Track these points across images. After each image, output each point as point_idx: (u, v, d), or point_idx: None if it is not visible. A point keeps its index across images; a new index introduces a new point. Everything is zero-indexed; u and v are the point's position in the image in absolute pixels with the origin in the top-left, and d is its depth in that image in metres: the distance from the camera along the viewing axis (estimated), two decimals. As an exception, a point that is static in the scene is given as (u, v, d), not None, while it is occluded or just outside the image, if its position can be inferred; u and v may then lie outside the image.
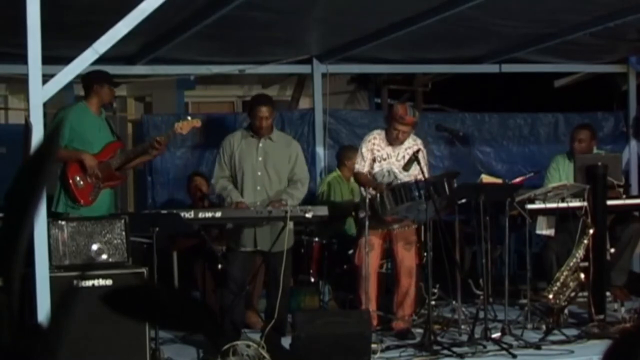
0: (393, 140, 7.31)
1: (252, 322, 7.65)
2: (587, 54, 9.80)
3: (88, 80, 7.11)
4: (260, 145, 7.07)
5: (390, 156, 7.33)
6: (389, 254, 7.56)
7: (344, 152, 9.04)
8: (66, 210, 6.90)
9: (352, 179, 8.69)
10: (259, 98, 7.39)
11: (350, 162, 8.79)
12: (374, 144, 7.35)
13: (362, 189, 7.39)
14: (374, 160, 7.33)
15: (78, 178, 6.97)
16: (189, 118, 7.58)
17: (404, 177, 7.21)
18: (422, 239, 7.61)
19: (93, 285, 6.01)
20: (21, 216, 1.30)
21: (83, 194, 6.99)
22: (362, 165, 7.35)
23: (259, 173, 7.04)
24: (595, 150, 8.58)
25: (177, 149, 9.67)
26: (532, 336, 7.17)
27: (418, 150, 7.15)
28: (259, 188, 7.03)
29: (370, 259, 7.20)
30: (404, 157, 7.28)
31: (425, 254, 7.37)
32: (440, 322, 7.52)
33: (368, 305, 7.08)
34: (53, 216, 6.47)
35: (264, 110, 7.02)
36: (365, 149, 7.36)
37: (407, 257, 7.37)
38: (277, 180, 7.06)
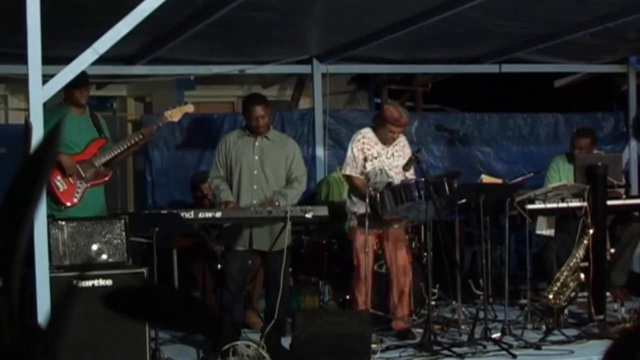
0: (386, 141, 7.31)
1: (252, 322, 7.65)
2: (587, 54, 9.79)
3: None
4: (257, 144, 7.06)
5: (380, 154, 7.32)
6: (380, 255, 7.54)
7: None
8: (51, 214, 6.75)
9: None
10: (252, 98, 7.39)
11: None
12: (363, 144, 7.33)
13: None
14: (365, 159, 7.30)
15: (58, 180, 6.93)
16: (186, 103, 7.54)
17: (395, 175, 7.21)
18: (422, 239, 7.60)
19: (93, 285, 6.02)
20: (21, 216, 1.30)
21: (66, 196, 6.95)
22: (353, 167, 7.30)
23: (255, 172, 7.02)
24: (595, 151, 8.59)
25: (177, 149, 9.65)
26: (532, 336, 7.17)
27: (418, 151, 7.16)
28: (255, 187, 7.01)
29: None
30: (393, 154, 7.30)
31: (425, 254, 7.36)
32: (440, 322, 7.52)
33: (364, 306, 7.07)
34: None
35: (259, 110, 7.01)
36: (355, 150, 7.32)
37: (400, 256, 7.35)
38: (274, 179, 7.04)
